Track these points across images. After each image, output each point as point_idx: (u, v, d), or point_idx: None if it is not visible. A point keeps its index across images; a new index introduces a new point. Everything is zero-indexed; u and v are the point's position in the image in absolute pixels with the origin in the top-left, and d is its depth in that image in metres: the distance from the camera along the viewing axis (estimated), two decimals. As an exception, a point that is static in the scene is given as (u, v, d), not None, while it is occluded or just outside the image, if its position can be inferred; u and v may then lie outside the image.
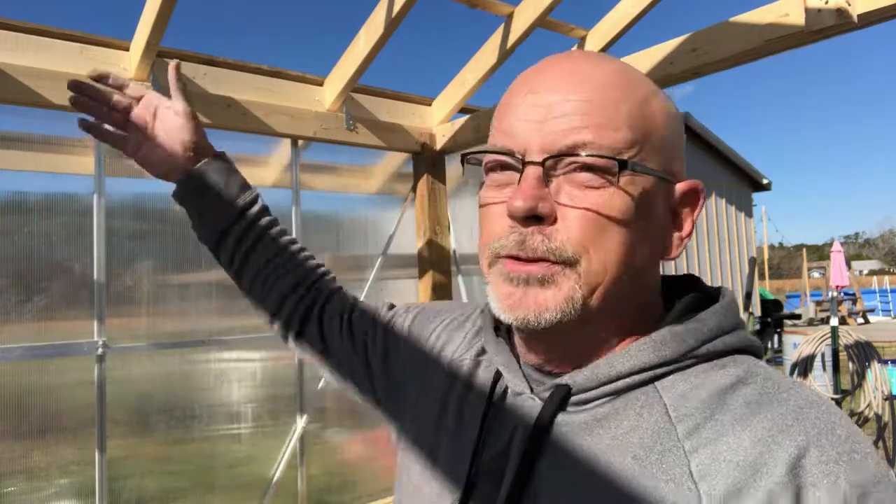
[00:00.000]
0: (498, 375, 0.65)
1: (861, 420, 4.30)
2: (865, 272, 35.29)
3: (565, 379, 0.59)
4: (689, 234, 0.61)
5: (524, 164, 0.56)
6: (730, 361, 0.58)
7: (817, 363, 4.59)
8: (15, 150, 2.07)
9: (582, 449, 0.56)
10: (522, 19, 2.40)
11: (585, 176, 0.55)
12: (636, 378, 0.57)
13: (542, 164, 0.55)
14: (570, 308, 0.55)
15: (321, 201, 2.83)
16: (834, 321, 4.55)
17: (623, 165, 0.55)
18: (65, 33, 2.05)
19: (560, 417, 0.59)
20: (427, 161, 2.92)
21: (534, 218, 0.55)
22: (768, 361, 12.05)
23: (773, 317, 14.07)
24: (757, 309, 13.85)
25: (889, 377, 4.33)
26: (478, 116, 2.77)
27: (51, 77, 1.95)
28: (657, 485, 0.53)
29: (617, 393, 0.58)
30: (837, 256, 8.40)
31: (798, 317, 12.60)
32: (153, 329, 2.28)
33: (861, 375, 4.31)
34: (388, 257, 2.94)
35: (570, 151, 0.55)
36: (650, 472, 0.53)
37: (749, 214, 14.98)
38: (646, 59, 2.17)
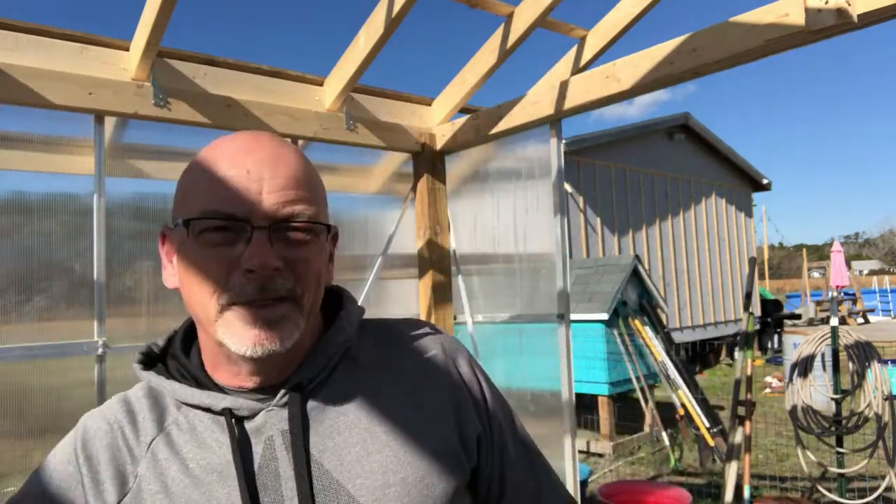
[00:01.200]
0: (228, 413, 0.74)
1: (861, 420, 4.30)
2: (865, 272, 35.26)
3: (294, 379, 0.76)
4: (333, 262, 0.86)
5: (254, 228, 0.70)
6: (372, 328, 0.87)
7: (817, 363, 4.59)
8: (15, 150, 2.07)
9: (333, 416, 0.76)
10: (522, 19, 2.40)
11: (300, 235, 0.73)
12: (337, 355, 0.80)
13: (269, 228, 0.71)
14: (297, 334, 0.73)
15: (321, 201, 2.83)
16: (834, 321, 4.54)
17: (329, 229, 0.78)
18: (65, 33, 2.05)
19: (307, 405, 0.76)
20: (427, 161, 2.92)
21: (274, 269, 0.70)
22: (768, 361, 12.06)
23: (773, 317, 14.07)
24: (757, 309, 13.85)
25: (889, 377, 4.33)
26: (478, 116, 2.77)
27: (51, 77, 1.95)
28: (392, 404, 0.78)
29: (330, 371, 0.79)
30: (837, 256, 8.40)
31: (798, 317, 12.60)
32: (153, 329, 2.28)
33: (861, 375, 4.30)
34: (388, 257, 2.94)
35: (289, 218, 0.72)
36: (384, 402, 0.78)
37: (749, 214, 14.98)
38: (646, 59, 2.17)
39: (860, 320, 12.27)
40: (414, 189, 2.98)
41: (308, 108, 2.54)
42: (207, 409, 0.75)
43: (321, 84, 2.62)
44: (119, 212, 2.20)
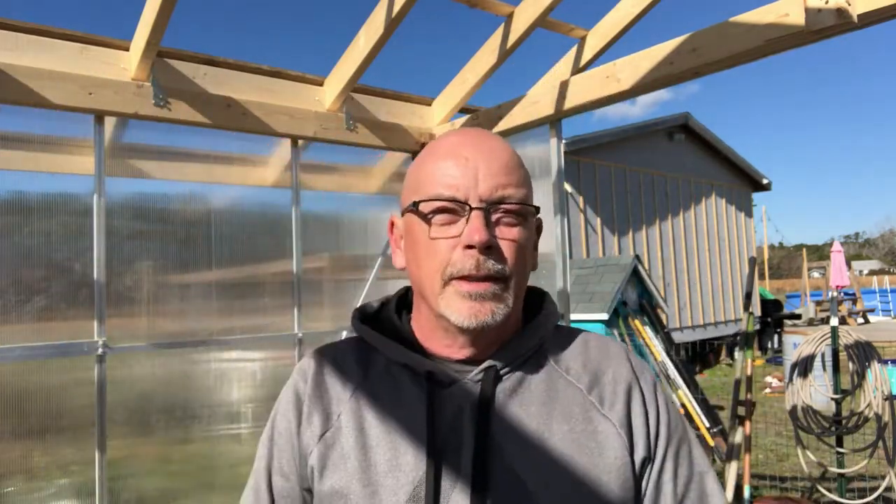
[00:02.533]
0: (429, 375, 0.82)
1: (861, 420, 4.30)
2: (865, 272, 35.26)
3: (489, 361, 0.83)
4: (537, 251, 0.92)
5: (471, 208, 0.79)
6: (565, 333, 0.93)
7: (817, 363, 4.58)
8: (15, 150, 2.07)
9: (517, 404, 0.82)
10: (522, 19, 2.40)
11: (511, 218, 0.81)
12: (532, 349, 0.86)
13: (485, 209, 0.79)
14: (506, 311, 0.80)
15: (321, 201, 2.83)
16: (834, 321, 4.54)
17: (537, 210, 0.85)
18: (65, 33, 2.05)
19: (498, 387, 0.83)
20: (427, 161, 2.92)
21: (487, 248, 0.78)
22: (768, 361, 12.06)
23: (773, 317, 14.06)
24: (757, 309, 13.84)
25: (889, 377, 4.33)
26: (478, 116, 2.77)
27: (51, 77, 1.95)
28: (572, 409, 0.83)
29: (524, 361, 0.85)
30: (837, 256, 8.40)
31: (798, 317, 12.60)
32: (153, 329, 2.28)
33: (861, 375, 4.30)
34: (388, 257, 2.93)
35: (501, 200, 0.80)
36: (565, 404, 0.83)
37: (749, 214, 14.97)
38: (646, 59, 2.17)
39: (860, 320, 12.27)
40: (414, 189, 2.98)
41: (308, 108, 2.54)
42: (410, 369, 0.84)
43: (321, 84, 2.62)
44: (119, 212, 2.20)
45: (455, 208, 0.80)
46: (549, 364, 0.87)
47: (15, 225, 2.00)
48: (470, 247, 0.78)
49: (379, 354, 0.88)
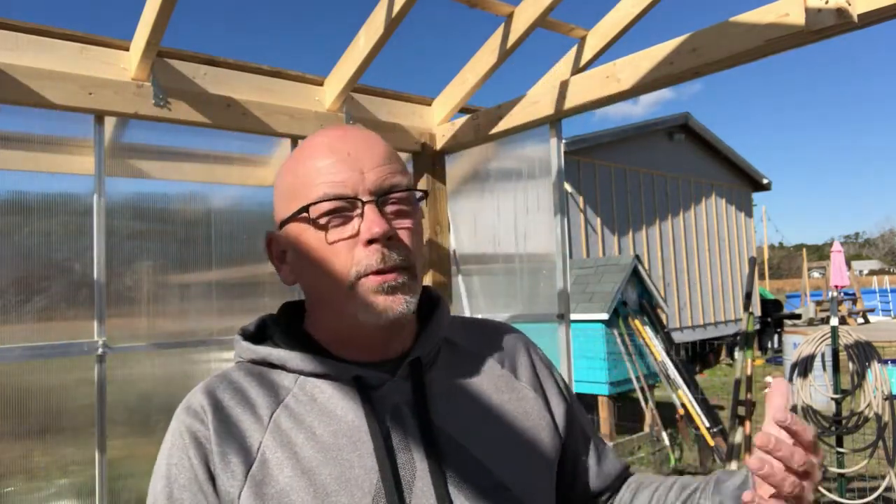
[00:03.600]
0: (359, 381, 0.80)
1: (861, 420, 4.30)
2: (865, 272, 35.24)
3: (413, 354, 0.83)
4: None
5: (364, 203, 0.77)
6: (460, 320, 0.97)
7: (817, 363, 4.59)
8: (15, 150, 2.07)
9: (448, 389, 0.84)
10: (522, 19, 2.40)
11: (403, 206, 0.80)
12: (442, 336, 0.88)
13: (376, 201, 0.77)
14: (416, 299, 0.79)
15: (321, 201, 2.83)
16: (834, 321, 4.54)
17: (425, 194, 0.84)
18: (65, 33, 2.05)
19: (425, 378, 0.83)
20: (427, 161, 2.92)
21: (388, 239, 0.76)
22: (768, 361, 12.06)
23: (773, 317, 14.06)
24: (757, 309, 13.84)
25: (889, 377, 4.33)
26: (478, 116, 2.77)
27: (51, 77, 1.95)
28: (498, 383, 0.88)
29: (439, 350, 0.87)
30: (837, 256, 8.40)
31: (798, 317, 12.59)
32: (153, 329, 2.28)
33: (861, 375, 4.30)
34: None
35: (391, 189, 0.79)
36: (491, 380, 0.88)
37: (749, 214, 14.97)
38: (646, 59, 2.17)
39: (860, 320, 12.26)
40: (414, 189, 2.98)
41: (308, 108, 2.54)
42: (333, 379, 0.80)
43: (321, 84, 2.62)
44: (119, 212, 2.19)
45: (346, 206, 0.77)
46: (458, 347, 0.90)
47: (15, 225, 2.00)
48: (371, 241, 0.76)
49: (283, 373, 0.81)
